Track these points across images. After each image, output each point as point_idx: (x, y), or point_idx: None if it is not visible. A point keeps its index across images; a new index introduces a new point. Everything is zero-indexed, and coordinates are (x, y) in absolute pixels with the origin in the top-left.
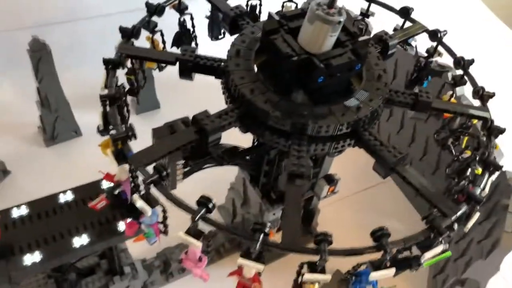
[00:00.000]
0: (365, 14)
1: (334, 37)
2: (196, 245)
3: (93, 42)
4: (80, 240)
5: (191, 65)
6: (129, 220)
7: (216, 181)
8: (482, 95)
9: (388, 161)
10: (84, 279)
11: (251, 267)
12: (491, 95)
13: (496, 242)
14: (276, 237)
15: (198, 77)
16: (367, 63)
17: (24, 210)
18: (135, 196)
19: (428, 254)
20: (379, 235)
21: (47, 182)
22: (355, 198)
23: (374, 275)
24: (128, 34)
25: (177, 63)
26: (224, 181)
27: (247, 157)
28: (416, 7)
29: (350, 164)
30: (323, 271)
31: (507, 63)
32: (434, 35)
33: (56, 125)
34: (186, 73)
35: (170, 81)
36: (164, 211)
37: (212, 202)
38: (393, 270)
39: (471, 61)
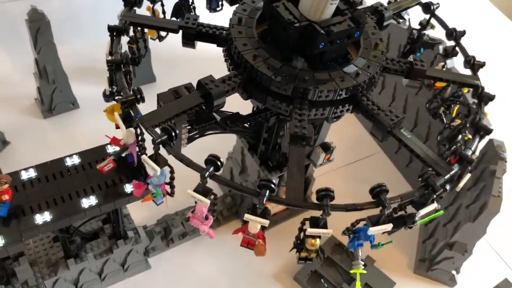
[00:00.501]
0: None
1: (334, 5)
2: (205, 202)
3: (90, 14)
4: (89, 201)
5: (194, 33)
6: (136, 181)
7: (209, 151)
8: (473, 64)
9: (385, 124)
10: (88, 243)
11: (256, 222)
12: (482, 64)
13: (484, 205)
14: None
15: (193, 51)
16: (364, 32)
17: (32, 173)
18: (145, 157)
19: (423, 211)
20: (378, 191)
21: (46, 152)
22: (348, 169)
23: (373, 230)
24: (131, 2)
25: (180, 31)
26: (222, 154)
27: (247, 124)
28: None
29: (343, 136)
30: (325, 226)
31: (495, 36)
32: (427, 7)
33: (53, 96)
34: (189, 41)
35: (166, 55)
36: (171, 171)
37: (220, 160)
38: (390, 225)
39: (463, 33)
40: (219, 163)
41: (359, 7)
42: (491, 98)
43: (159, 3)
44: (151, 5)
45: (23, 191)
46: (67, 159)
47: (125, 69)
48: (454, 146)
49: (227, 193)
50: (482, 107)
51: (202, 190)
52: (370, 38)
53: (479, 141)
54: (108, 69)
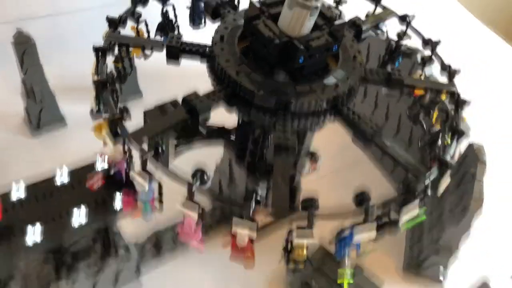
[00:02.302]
0: (338, 2)
1: (312, 21)
2: (193, 216)
3: (75, 35)
4: (79, 219)
5: (178, 51)
6: (125, 197)
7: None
8: (449, 71)
9: (367, 132)
10: (80, 262)
11: (244, 236)
12: (457, 71)
13: (466, 208)
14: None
15: (178, 67)
16: (343, 45)
17: (22, 193)
18: (133, 173)
19: (405, 217)
20: (361, 199)
21: (34, 170)
22: (334, 176)
23: (358, 237)
24: (115, 23)
25: (164, 50)
26: (210, 166)
27: (233, 137)
28: None
29: (328, 144)
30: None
31: (470, 45)
32: (403, 19)
33: (41, 115)
34: (173, 59)
35: (152, 70)
36: (159, 187)
37: (206, 174)
38: (374, 233)
39: (438, 42)
40: (205, 176)
41: (338, 21)
42: (467, 103)
43: (143, 22)
44: (136, 25)
45: (13, 212)
46: (57, 178)
47: (112, 88)
48: (434, 151)
49: (216, 206)
50: (459, 112)
51: (190, 204)
52: (348, 51)
53: (457, 145)
54: (94, 88)
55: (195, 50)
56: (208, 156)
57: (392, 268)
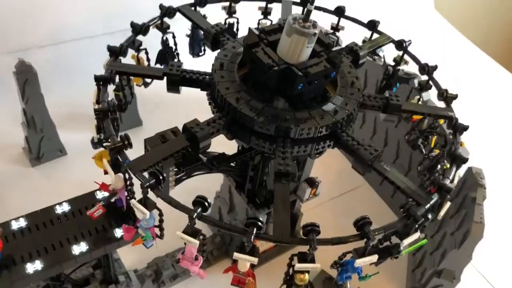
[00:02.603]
0: (336, 28)
1: (310, 48)
2: (194, 243)
3: (76, 64)
4: (79, 248)
5: (178, 79)
6: (126, 225)
7: (197, 192)
8: (446, 96)
9: (365, 158)
10: None
11: (245, 261)
12: (454, 97)
13: (467, 232)
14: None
15: (178, 94)
16: (340, 71)
17: (22, 222)
18: (134, 201)
19: (407, 241)
20: (362, 224)
21: (35, 200)
22: (334, 202)
23: (359, 261)
24: (116, 52)
25: (165, 78)
26: (210, 194)
27: (233, 164)
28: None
29: (328, 170)
30: (313, 260)
31: (466, 68)
32: (400, 45)
33: (41, 145)
34: (173, 87)
35: (151, 99)
36: (160, 214)
37: (207, 201)
38: (375, 257)
39: (435, 67)
40: (206, 203)
41: (336, 47)
42: (465, 128)
43: (144, 51)
44: (136, 53)
45: (14, 241)
46: (57, 207)
47: (112, 117)
48: (433, 176)
49: (216, 232)
50: (457, 137)
51: (191, 231)
52: (346, 77)
53: (456, 170)
54: (96, 117)
55: (194, 78)
56: (208, 183)
57: None
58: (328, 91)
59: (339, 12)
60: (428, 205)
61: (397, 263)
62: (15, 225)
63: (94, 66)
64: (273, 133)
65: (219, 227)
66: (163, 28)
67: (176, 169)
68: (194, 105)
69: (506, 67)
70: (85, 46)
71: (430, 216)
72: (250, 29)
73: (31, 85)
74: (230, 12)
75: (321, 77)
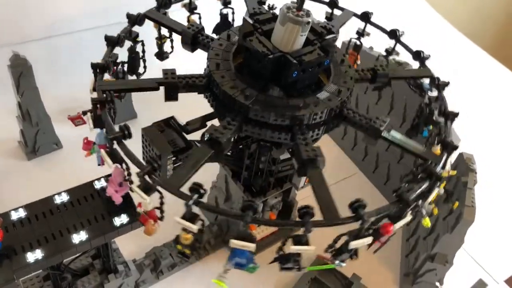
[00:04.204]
0: (361, 33)
1: (303, 37)
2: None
3: (71, 57)
4: (79, 237)
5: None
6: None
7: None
8: (438, 84)
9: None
10: (79, 279)
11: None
12: (446, 84)
13: (459, 216)
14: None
15: None
16: (334, 61)
17: (22, 213)
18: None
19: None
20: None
21: (31, 193)
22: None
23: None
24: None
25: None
26: (206, 183)
27: (229, 152)
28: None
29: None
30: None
31: (459, 60)
32: (433, 80)
33: (37, 138)
34: (171, 95)
35: (145, 93)
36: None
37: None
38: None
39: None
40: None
41: (329, 36)
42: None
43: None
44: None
45: (14, 231)
46: (56, 197)
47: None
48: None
49: (213, 221)
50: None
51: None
52: (339, 66)
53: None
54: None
55: (191, 83)
56: (205, 172)
57: (389, 277)
58: (322, 81)
59: (332, 4)
60: (441, 163)
61: (391, 249)
62: (14, 216)
63: (90, 59)
64: (289, 123)
65: (216, 212)
66: (133, 38)
67: (174, 158)
68: (188, 96)
69: (498, 59)
70: (80, 39)
71: (420, 203)
72: (244, 18)
73: (26, 78)
74: (226, 2)
75: (314, 64)
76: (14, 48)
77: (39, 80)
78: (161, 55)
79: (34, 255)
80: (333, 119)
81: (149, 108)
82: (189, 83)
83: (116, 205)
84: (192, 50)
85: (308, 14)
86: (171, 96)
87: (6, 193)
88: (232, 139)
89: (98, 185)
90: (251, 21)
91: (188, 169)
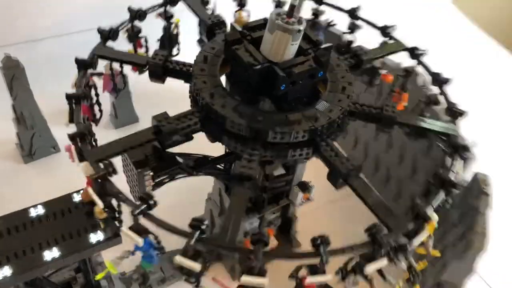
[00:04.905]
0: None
1: (295, 46)
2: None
3: (64, 59)
4: (51, 254)
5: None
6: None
7: (193, 191)
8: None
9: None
10: None
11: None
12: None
13: (469, 243)
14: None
15: (174, 90)
16: (333, 75)
17: None
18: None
19: (372, 266)
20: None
21: (27, 197)
22: (331, 206)
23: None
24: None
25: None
26: (201, 191)
27: (220, 166)
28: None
29: (322, 174)
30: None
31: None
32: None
33: (33, 141)
34: (156, 76)
35: (147, 95)
36: (158, 241)
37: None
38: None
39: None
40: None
41: (324, 45)
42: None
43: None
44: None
45: None
46: (31, 209)
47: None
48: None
49: (209, 234)
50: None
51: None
52: (339, 81)
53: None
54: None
55: (178, 69)
56: (204, 182)
57: None
58: (320, 92)
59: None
60: (399, 233)
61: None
62: None
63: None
64: (247, 135)
65: (226, 250)
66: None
67: (151, 173)
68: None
69: None
70: (73, 41)
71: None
72: (232, 25)
73: (19, 80)
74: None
75: (306, 77)
76: (6, 50)
77: (33, 82)
78: None
79: (1, 272)
80: (301, 145)
81: (151, 112)
82: (176, 69)
83: (93, 222)
84: (208, 40)
85: (300, 21)
86: (155, 76)
87: (2, 197)
88: (224, 152)
89: (76, 198)
90: (239, 28)
91: (118, 146)
